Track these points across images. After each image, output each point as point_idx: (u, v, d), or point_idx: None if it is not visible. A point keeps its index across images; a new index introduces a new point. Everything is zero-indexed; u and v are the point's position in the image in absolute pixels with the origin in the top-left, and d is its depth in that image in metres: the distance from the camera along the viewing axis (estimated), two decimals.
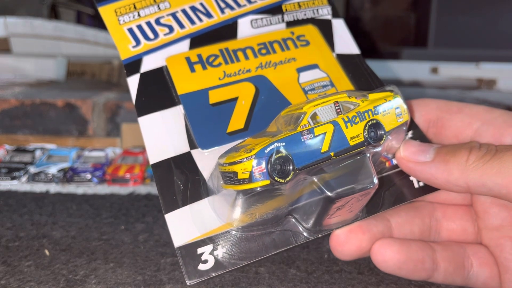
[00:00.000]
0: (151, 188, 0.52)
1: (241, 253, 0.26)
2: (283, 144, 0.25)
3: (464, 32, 1.30)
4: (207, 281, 0.29)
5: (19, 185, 0.52)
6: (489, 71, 1.05)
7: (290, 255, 0.34)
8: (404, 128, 0.29)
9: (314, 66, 0.33)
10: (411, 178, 0.31)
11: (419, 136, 0.32)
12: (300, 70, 0.33)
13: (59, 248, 0.37)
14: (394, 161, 0.31)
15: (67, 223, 0.42)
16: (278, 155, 0.24)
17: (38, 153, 0.59)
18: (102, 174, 0.54)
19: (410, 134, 0.32)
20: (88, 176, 0.53)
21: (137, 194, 0.50)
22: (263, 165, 0.24)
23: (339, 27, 0.36)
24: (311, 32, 0.35)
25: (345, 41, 0.36)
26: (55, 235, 0.39)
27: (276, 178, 0.24)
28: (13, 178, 0.53)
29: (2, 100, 0.66)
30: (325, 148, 0.26)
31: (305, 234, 0.27)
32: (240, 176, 0.24)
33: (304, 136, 0.25)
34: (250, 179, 0.24)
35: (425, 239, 0.30)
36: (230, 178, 0.25)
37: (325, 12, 0.37)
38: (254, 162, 0.24)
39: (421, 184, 0.31)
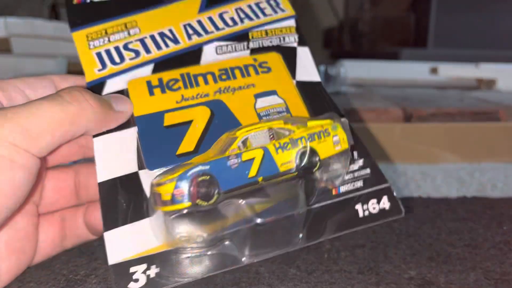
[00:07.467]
0: None
1: (174, 274, 0.27)
2: (208, 167, 0.26)
3: (464, 32, 1.30)
4: (207, 281, 0.29)
5: None
6: (489, 71, 1.06)
7: (290, 255, 0.34)
8: (346, 155, 0.30)
9: (272, 93, 0.34)
10: (356, 207, 0.31)
11: (371, 164, 0.32)
12: (257, 96, 0.33)
13: None
14: (341, 189, 0.31)
15: None
16: (202, 178, 0.26)
17: None
18: None
19: (361, 162, 0.32)
20: None
21: None
22: (184, 187, 0.25)
23: (303, 54, 0.36)
24: (274, 59, 0.35)
25: (307, 69, 0.36)
26: None
27: (197, 201, 0.25)
28: None
29: None
30: (253, 173, 0.27)
31: (241, 258, 0.28)
32: (163, 198, 0.26)
33: (231, 161, 0.27)
34: (172, 201, 0.25)
35: None
36: (156, 199, 0.26)
37: (291, 40, 0.37)
38: (175, 184, 0.25)
39: (366, 213, 0.31)
